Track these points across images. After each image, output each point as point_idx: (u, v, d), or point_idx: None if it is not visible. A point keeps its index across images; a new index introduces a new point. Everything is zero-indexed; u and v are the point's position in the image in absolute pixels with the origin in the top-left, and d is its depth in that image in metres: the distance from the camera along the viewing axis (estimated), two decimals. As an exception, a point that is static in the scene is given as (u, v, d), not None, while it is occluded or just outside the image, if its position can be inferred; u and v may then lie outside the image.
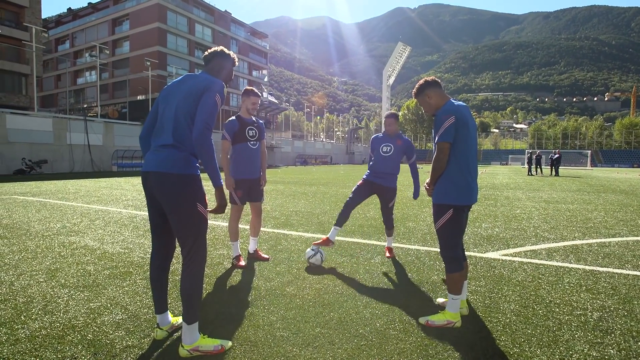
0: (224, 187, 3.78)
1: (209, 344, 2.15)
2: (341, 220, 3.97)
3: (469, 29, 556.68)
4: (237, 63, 2.46)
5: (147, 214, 7.03)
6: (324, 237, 4.04)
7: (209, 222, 6.30)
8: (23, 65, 31.72)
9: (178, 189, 2.08)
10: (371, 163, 4.16)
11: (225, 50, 2.37)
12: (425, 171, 31.15)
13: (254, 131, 3.84)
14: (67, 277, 3.39)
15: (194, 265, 2.14)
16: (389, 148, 4.03)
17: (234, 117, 3.82)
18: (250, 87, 3.86)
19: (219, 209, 2.17)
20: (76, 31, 52.62)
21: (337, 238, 5.11)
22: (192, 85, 2.16)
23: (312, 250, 3.80)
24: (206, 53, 2.36)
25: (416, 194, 4.12)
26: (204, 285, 3.24)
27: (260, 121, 3.99)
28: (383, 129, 4.26)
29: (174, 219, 2.11)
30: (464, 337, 2.38)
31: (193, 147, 2.14)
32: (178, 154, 2.11)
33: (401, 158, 4.07)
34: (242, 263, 3.81)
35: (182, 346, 2.11)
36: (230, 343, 2.23)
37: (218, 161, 3.83)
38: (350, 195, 4.02)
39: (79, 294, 2.98)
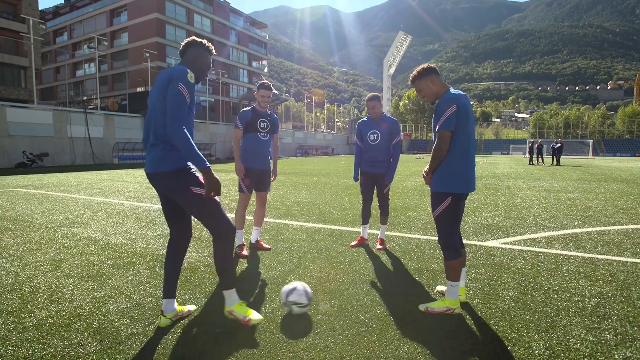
0: (235, 172, 3.85)
1: (242, 312, 2.34)
2: (365, 217, 4.28)
3: (470, 17, 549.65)
4: (212, 50, 2.43)
5: (148, 205, 7.08)
6: (358, 237, 4.36)
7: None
8: (22, 58, 31.55)
9: (172, 183, 2.20)
10: (359, 153, 4.20)
11: (197, 39, 2.38)
12: (426, 161, 31.09)
13: (265, 123, 3.92)
14: (72, 267, 3.44)
15: (220, 239, 2.28)
16: (375, 135, 4.03)
17: (248, 108, 3.92)
18: (263, 81, 3.94)
19: (213, 192, 2.16)
20: (74, 23, 52.15)
21: (338, 227, 5.18)
22: (160, 80, 2.21)
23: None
24: (180, 48, 2.40)
25: (389, 178, 4.08)
26: (206, 274, 3.29)
27: (275, 115, 4.08)
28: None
29: (184, 208, 2.28)
30: (463, 323, 2.42)
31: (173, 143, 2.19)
32: (162, 153, 2.20)
33: (391, 141, 4.05)
34: (245, 252, 3.86)
35: (225, 308, 2.37)
36: (259, 317, 2.36)
37: (235, 151, 3.81)
38: (362, 194, 4.26)
39: (84, 284, 3.02)
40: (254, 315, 2.36)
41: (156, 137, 2.19)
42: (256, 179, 3.97)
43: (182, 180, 2.19)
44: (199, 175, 2.24)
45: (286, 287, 2.52)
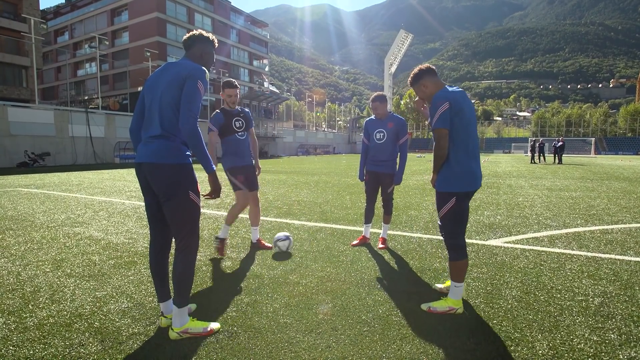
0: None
1: (198, 326, 2.22)
2: (368, 217, 4.25)
3: (472, 15, 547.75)
4: (217, 45, 2.42)
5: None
6: (360, 236, 4.34)
7: (211, 212, 6.33)
8: (23, 58, 31.59)
9: (171, 178, 2.11)
10: (365, 151, 4.18)
11: (205, 33, 2.35)
12: (428, 160, 31.03)
13: (240, 122, 3.82)
14: (73, 267, 3.43)
15: (186, 251, 2.19)
16: (381, 134, 4.00)
17: (219, 110, 3.80)
18: (228, 79, 3.80)
19: (214, 194, 2.21)
20: (75, 22, 52.22)
21: (339, 226, 5.17)
22: (174, 73, 2.16)
23: (285, 237, 3.89)
24: (185, 37, 2.32)
25: (397, 179, 4.05)
26: (207, 274, 3.29)
27: (247, 110, 3.96)
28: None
29: (168, 207, 2.15)
30: (466, 323, 2.40)
31: (182, 136, 2.16)
32: (168, 144, 2.13)
33: (397, 140, 4.02)
34: (223, 251, 3.79)
35: (172, 329, 2.18)
36: (218, 325, 2.30)
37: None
38: (366, 193, 4.22)
39: (85, 283, 3.02)
40: (213, 324, 2.28)
41: (164, 129, 2.13)
42: (245, 177, 3.89)
43: (182, 179, 2.13)
44: (197, 181, 2.22)
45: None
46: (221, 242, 3.81)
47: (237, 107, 3.85)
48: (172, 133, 2.14)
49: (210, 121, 3.78)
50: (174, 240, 2.24)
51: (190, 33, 2.33)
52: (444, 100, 2.44)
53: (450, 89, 2.54)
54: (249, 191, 3.95)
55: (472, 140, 2.53)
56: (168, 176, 2.11)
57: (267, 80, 64.97)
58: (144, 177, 2.19)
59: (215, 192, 2.20)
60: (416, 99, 2.77)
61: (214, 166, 2.16)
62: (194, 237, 2.22)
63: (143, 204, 7.16)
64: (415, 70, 2.67)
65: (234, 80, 3.81)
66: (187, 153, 2.20)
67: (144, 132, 2.22)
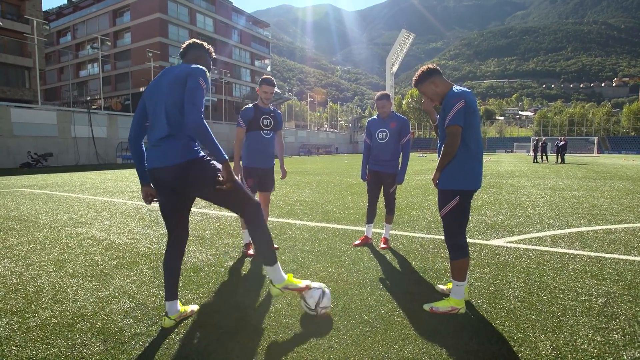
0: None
1: (296, 283, 2.38)
2: (370, 217, 4.23)
3: (474, 14, 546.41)
4: (212, 53, 2.49)
5: (152, 206, 7.08)
6: (362, 236, 4.33)
7: (213, 212, 6.34)
8: (26, 59, 31.75)
9: (195, 173, 2.14)
10: (367, 151, 4.19)
11: (197, 41, 2.42)
12: (429, 160, 30.98)
13: (268, 120, 3.79)
14: (76, 267, 3.44)
15: (251, 217, 2.25)
16: (384, 134, 3.99)
17: (251, 105, 3.79)
18: (266, 76, 3.78)
19: (228, 183, 2.16)
20: (77, 23, 52.43)
21: (341, 226, 5.16)
22: (175, 75, 2.19)
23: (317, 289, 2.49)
24: (180, 49, 2.44)
25: (400, 179, 4.06)
26: (210, 274, 3.29)
27: (279, 112, 3.96)
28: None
29: (207, 197, 2.22)
30: (469, 323, 2.39)
31: (189, 131, 2.17)
32: (177, 143, 2.15)
33: (399, 140, 4.02)
34: (252, 252, 3.82)
35: (274, 285, 2.34)
36: (310, 282, 2.45)
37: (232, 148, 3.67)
38: (368, 193, 4.21)
39: (88, 284, 3.03)
40: (307, 282, 2.44)
41: (171, 127, 2.15)
42: (259, 179, 3.89)
43: (204, 170, 2.15)
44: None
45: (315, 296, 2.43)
46: (246, 247, 3.85)
47: (269, 106, 3.84)
48: (180, 131, 2.17)
49: (240, 116, 3.73)
50: (240, 216, 2.35)
51: (184, 43, 2.42)
52: (459, 98, 2.43)
53: (458, 88, 2.53)
54: (254, 195, 3.89)
55: (479, 141, 2.55)
56: (191, 172, 2.13)
57: (268, 80, 64.98)
58: (164, 181, 2.20)
59: (229, 181, 2.14)
60: (423, 99, 2.74)
61: (225, 155, 2.13)
62: (251, 202, 2.26)
63: (144, 204, 7.17)
64: (424, 68, 2.64)
65: (272, 78, 3.80)
66: (196, 148, 2.21)
67: (151, 136, 2.24)
